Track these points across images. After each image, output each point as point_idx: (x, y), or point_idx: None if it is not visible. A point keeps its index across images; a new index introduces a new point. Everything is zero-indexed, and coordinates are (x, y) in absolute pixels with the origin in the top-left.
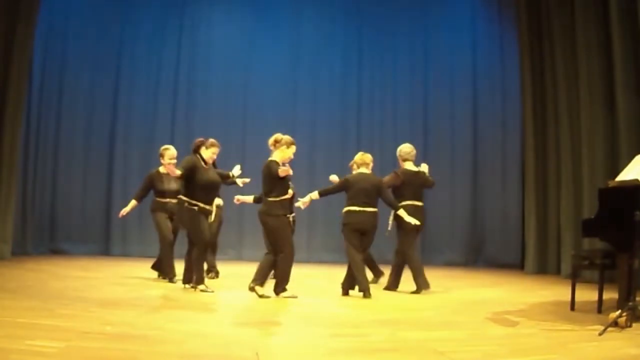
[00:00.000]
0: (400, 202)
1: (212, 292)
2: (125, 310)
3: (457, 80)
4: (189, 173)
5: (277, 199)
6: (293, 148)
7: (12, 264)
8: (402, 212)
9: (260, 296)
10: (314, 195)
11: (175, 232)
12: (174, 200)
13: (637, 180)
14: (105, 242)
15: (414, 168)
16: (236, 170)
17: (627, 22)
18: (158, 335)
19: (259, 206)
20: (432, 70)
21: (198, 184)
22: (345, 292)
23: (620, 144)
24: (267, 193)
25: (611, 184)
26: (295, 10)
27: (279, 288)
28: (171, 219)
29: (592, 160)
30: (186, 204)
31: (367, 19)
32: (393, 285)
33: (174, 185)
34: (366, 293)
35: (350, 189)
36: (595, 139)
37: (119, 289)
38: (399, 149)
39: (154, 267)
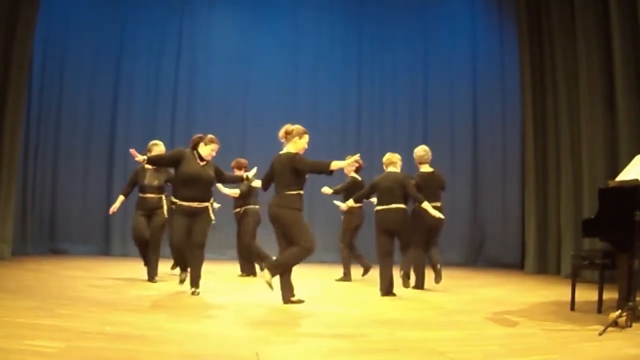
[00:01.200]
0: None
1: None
2: (125, 310)
3: (457, 80)
4: (172, 164)
5: (295, 192)
6: (306, 137)
7: (12, 264)
8: (426, 205)
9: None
10: (350, 202)
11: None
12: (154, 196)
13: (637, 180)
14: (105, 242)
15: (429, 169)
16: (252, 172)
17: (627, 22)
18: (158, 335)
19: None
20: (432, 70)
21: (179, 177)
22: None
23: (620, 144)
24: (287, 186)
25: (611, 184)
26: (295, 10)
27: (275, 270)
28: (149, 216)
29: (592, 160)
30: (166, 201)
31: (367, 19)
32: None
33: (155, 182)
34: (383, 293)
35: (378, 189)
36: (595, 139)
37: (120, 289)
38: (414, 153)
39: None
